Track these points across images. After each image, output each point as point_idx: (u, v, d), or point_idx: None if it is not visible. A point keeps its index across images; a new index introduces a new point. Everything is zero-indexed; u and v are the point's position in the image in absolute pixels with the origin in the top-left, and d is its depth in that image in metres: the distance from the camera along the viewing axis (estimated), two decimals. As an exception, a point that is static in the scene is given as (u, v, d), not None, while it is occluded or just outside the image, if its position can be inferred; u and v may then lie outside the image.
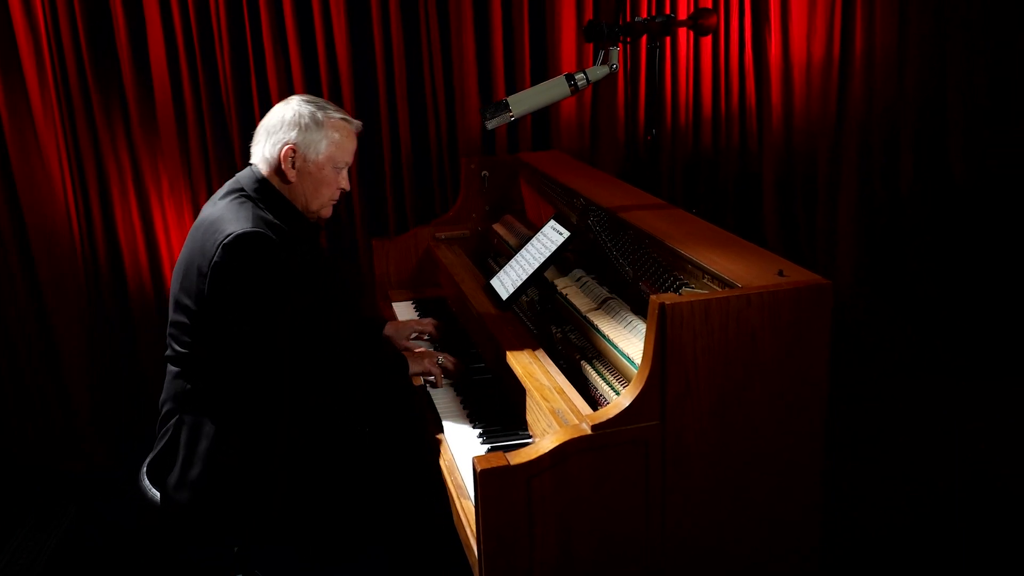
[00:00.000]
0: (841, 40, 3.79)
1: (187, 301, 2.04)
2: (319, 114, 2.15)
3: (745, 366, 1.71)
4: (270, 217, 2.09)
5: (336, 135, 2.17)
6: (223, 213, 2.04)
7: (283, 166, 2.13)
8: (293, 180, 2.15)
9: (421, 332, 2.65)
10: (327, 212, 2.26)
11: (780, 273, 1.77)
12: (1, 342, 3.37)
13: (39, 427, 3.47)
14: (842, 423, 3.29)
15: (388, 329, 2.63)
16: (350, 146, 2.22)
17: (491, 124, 2.41)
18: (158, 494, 2.07)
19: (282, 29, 3.35)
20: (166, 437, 2.09)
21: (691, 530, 1.79)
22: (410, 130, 3.54)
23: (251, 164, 2.21)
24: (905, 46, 3.84)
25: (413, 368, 2.33)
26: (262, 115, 3.29)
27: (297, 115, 2.14)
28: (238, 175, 2.21)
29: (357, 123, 2.24)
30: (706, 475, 1.76)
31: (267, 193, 2.15)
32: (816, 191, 3.94)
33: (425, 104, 3.54)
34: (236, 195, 2.12)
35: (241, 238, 1.95)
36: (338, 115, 2.19)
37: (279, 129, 2.14)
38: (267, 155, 2.15)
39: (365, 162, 3.54)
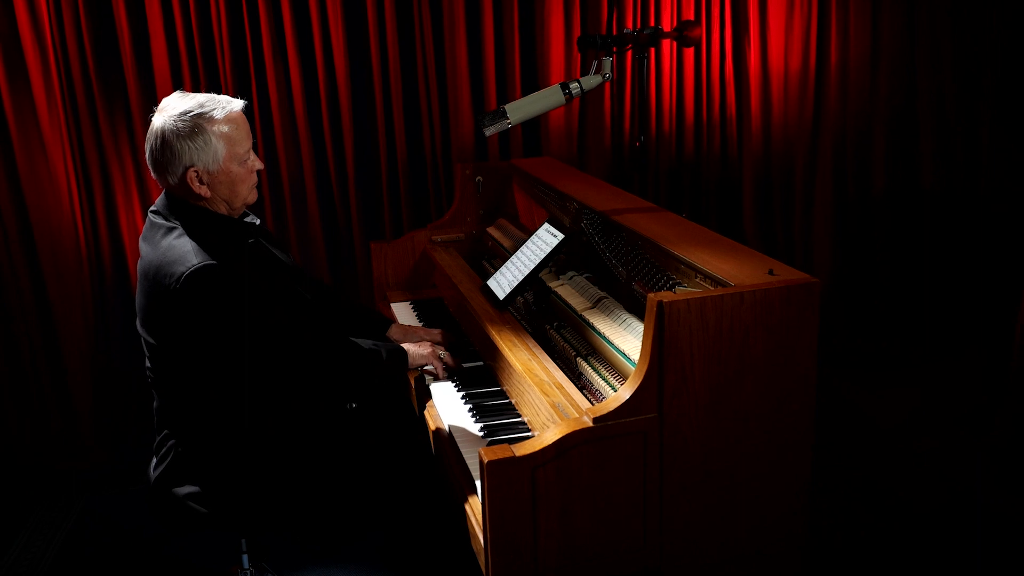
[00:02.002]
0: (817, 52, 3.84)
1: (154, 340, 2.04)
2: (198, 121, 1.98)
3: (738, 360, 1.74)
4: (206, 240, 1.99)
5: (225, 129, 2.01)
6: (167, 253, 1.95)
7: (194, 189, 2.02)
8: (208, 195, 2.04)
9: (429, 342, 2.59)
10: (252, 198, 2.15)
11: (770, 272, 1.81)
12: (6, 343, 3.36)
13: (43, 427, 3.45)
14: (821, 425, 3.31)
15: (394, 332, 2.59)
16: (241, 133, 2.05)
17: (489, 131, 2.43)
18: (172, 509, 2.09)
19: (282, 40, 3.35)
20: (168, 458, 2.09)
21: (686, 517, 1.81)
22: (406, 137, 3.55)
23: (164, 191, 2.09)
24: (877, 59, 3.90)
25: (413, 360, 2.33)
26: (262, 122, 3.38)
27: (175, 133, 1.97)
28: (157, 203, 2.08)
29: (238, 103, 2.07)
30: (701, 465, 1.79)
31: (191, 216, 2.04)
32: (793, 196, 3.98)
33: (420, 112, 3.55)
34: (170, 228, 2.01)
35: (195, 275, 1.89)
36: (215, 109, 2.01)
37: (172, 156, 1.99)
38: (173, 183, 2.03)
39: (363, 168, 3.55)
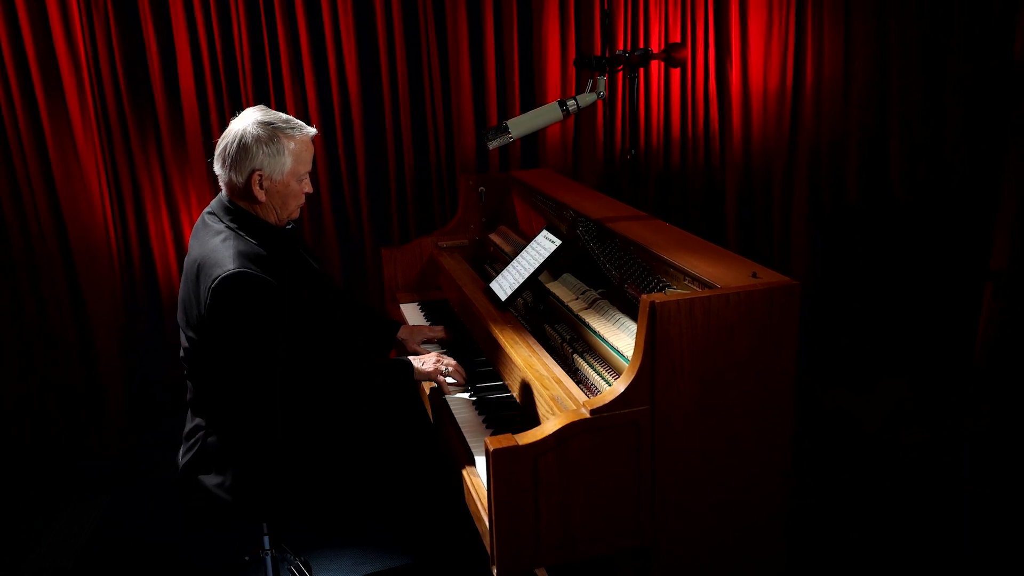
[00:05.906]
0: (794, 71, 3.86)
1: (191, 334, 2.05)
2: (277, 133, 2.05)
3: (724, 357, 1.75)
4: (251, 245, 2.02)
5: (295, 146, 2.07)
6: (209, 254, 1.98)
7: (253, 191, 2.06)
8: (263, 200, 2.08)
9: (432, 338, 2.62)
10: (296, 214, 2.20)
11: (754, 275, 1.82)
12: (44, 344, 3.35)
13: (75, 425, 3.45)
14: (810, 431, 3.22)
15: (402, 332, 2.62)
16: (308, 156, 2.12)
17: (492, 144, 2.44)
18: (197, 496, 2.09)
19: (299, 62, 3.37)
20: (196, 447, 2.10)
21: (677, 502, 1.82)
22: (413, 150, 3.56)
23: (221, 191, 2.13)
24: (850, 78, 3.92)
25: (419, 375, 2.31)
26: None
27: (255, 137, 2.02)
28: (213, 205, 2.13)
29: (311, 130, 2.14)
30: (690, 454, 1.80)
31: (242, 220, 2.08)
32: (772, 205, 4.00)
33: (426, 127, 3.57)
34: (219, 231, 2.05)
35: (227, 280, 1.91)
36: (294, 128, 2.08)
37: (245, 157, 2.03)
38: (236, 181, 2.06)
39: (373, 179, 3.56)
